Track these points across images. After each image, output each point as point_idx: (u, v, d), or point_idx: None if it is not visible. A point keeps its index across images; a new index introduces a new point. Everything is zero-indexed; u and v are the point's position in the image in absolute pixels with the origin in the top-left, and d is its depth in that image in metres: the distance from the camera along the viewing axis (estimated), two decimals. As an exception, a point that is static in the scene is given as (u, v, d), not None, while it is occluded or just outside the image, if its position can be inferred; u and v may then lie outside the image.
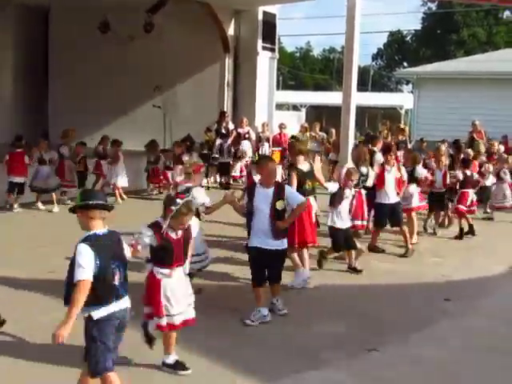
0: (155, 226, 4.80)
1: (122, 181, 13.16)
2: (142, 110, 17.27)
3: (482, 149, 14.80)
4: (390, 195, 9.13)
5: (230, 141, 15.57)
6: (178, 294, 4.85)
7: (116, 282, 4.06)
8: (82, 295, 3.85)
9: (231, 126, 15.99)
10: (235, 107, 17.48)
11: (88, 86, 17.40)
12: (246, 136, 15.97)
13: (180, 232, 4.84)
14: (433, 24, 56.07)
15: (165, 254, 4.80)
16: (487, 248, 9.99)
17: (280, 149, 16.36)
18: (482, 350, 5.65)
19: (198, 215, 6.48)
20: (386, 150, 9.72)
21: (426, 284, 7.77)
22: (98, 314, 4.00)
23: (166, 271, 4.82)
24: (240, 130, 16.01)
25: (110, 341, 4.06)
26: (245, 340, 5.72)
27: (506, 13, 54.85)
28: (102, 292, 3.98)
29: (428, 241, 10.27)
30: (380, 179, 9.18)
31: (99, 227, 4.06)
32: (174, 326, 4.86)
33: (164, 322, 4.81)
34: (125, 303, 4.16)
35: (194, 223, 5.36)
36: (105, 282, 3.99)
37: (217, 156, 15.50)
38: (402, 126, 18.93)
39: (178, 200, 4.81)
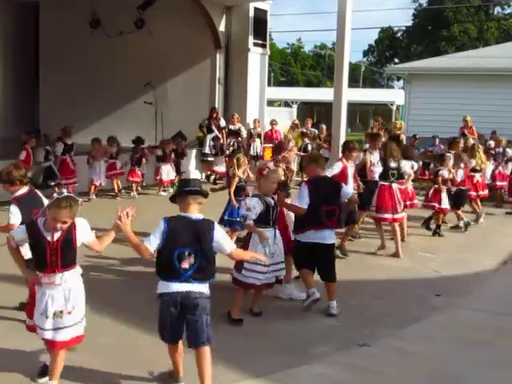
0: None
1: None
2: (133, 107, 17.18)
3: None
4: None
5: (213, 136, 15.56)
6: None
7: (182, 265, 4.26)
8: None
9: (223, 123, 15.95)
10: (226, 103, 17.42)
11: (79, 82, 17.30)
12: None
13: None
14: (424, 20, 56.22)
15: None
16: (479, 243, 10.02)
17: (271, 145, 16.31)
18: (476, 345, 5.65)
19: None
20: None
21: (418, 279, 7.78)
22: (158, 288, 4.35)
23: None
24: (231, 127, 15.97)
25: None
26: (237, 335, 5.70)
27: (497, 9, 55.12)
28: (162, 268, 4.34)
29: (420, 236, 10.28)
30: None
31: (193, 212, 4.37)
32: None
33: None
34: (186, 287, 4.31)
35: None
36: (166, 260, 4.27)
37: (207, 152, 15.49)
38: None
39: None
